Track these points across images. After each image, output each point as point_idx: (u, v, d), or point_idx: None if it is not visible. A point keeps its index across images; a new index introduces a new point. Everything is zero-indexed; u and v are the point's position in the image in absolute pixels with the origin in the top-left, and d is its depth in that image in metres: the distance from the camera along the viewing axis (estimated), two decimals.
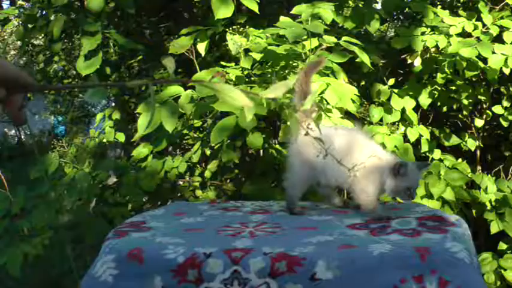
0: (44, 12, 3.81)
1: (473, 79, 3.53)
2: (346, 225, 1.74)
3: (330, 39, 2.82)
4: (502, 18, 3.24)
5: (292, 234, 1.65)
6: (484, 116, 3.69)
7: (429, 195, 3.17)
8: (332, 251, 1.47)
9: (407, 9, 3.64)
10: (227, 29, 3.02)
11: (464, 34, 3.19)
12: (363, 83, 3.70)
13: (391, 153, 1.90)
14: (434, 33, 3.20)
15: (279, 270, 1.40)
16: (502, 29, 3.21)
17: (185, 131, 3.46)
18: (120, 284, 1.48)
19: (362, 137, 1.89)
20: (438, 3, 4.03)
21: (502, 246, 3.48)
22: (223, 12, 2.76)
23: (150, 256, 1.49)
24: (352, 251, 1.46)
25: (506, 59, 3.01)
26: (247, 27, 3.08)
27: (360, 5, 3.30)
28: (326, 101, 2.57)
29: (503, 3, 3.27)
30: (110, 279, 1.48)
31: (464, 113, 3.61)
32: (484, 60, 3.07)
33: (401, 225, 1.72)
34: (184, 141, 3.82)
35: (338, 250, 1.47)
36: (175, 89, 2.87)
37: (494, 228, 3.37)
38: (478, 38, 3.12)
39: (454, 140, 3.62)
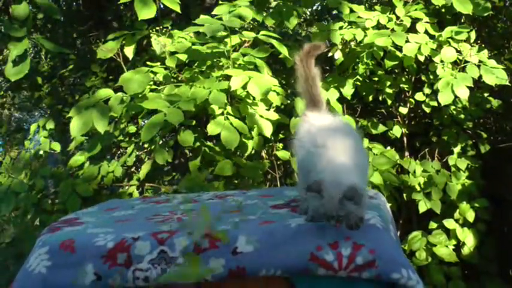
0: None
1: (396, 70, 3.70)
2: (269, 206, 1.85)
3: (249, 35, 2.93)
4: (416, 10, 3.42)
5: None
6: (408, 104, 3.85)
7: None
8: (253, 227, 1.57)
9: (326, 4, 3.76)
10: (151, 31, 3.08)
11: (380, 27, 3.36)
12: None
13: None
14: (351, 27, 3.35)
15: (202, 247, 1.49)
16: (416, 20, 3.39)
17: (120, 137, 3.50)
18: (54, 275, 1.53)
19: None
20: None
21: (433, 225, 3.67)
22: (146, 13, 2.83)
23: (81, 245, 1.56)
24: (271, 226, 1.56)
25: (419, 47, 3.20)
26: (169, 27, 3.15)
27: (280, 3, 3.42)
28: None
29: None
30: (44, 271, 1.54)
31: (389, 102, 3.75)
32: (401, 50, 3.24)
33: None
34: (120, 149, 3.84)
35: (258, 226, 1.57)
36: (105, 92, 2.93)
37: (422, 207, 3.55)
38: (392, 29, 3.30)
39: (381, 128, 3.75)
